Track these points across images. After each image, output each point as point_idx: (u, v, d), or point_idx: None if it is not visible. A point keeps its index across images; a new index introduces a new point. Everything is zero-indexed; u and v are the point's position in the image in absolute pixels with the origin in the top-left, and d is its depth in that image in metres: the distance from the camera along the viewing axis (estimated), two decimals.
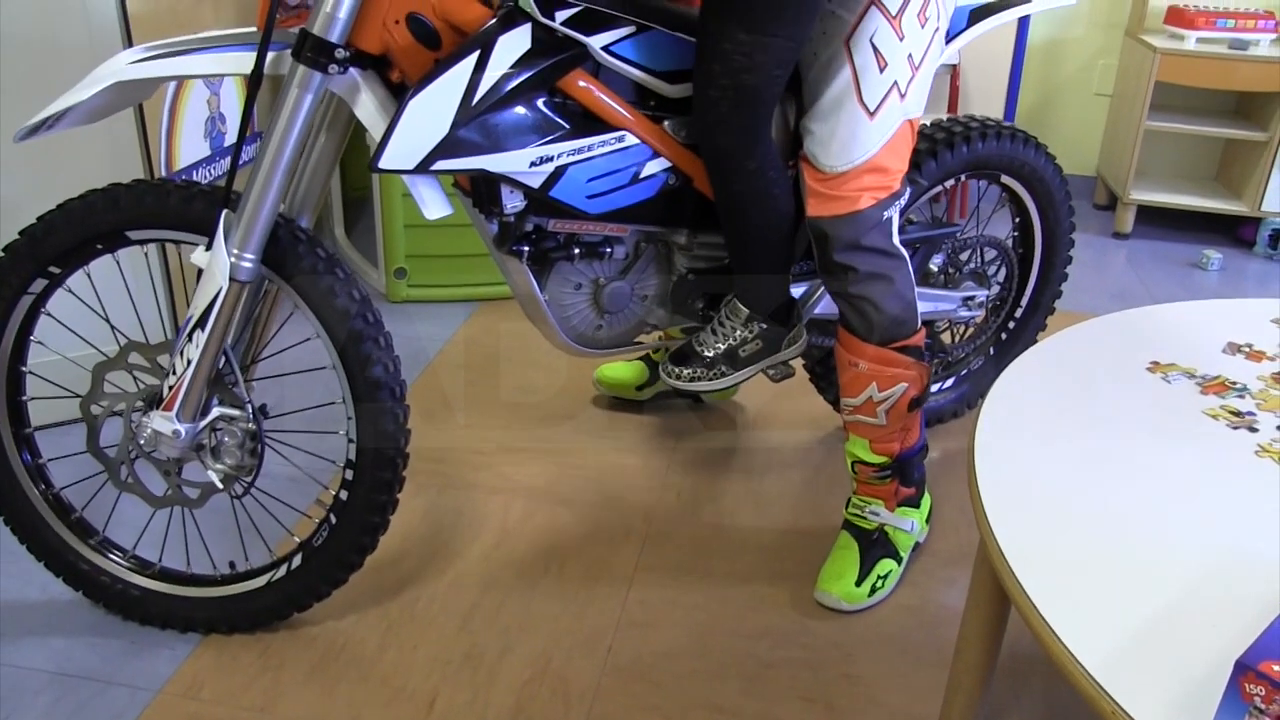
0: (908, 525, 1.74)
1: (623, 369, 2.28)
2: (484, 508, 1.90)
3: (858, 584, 1.67)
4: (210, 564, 1.62)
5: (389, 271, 2.74)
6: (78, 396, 1.51)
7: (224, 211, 1.35)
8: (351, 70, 1.34)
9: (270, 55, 1.32)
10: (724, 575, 1.74)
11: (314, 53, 1.29)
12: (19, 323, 1.49)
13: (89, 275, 1.48)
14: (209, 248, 1.35)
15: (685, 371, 1.67)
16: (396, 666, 1.52)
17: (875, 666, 1.55)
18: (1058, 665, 0.86)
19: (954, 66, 3.52)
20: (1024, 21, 3.33)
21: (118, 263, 1.50)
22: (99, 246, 1.44)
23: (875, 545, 1.72)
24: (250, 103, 1.35)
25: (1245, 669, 0.76)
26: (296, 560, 1.53)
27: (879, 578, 1.69)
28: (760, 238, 1.57)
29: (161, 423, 1.43)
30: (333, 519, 1.50)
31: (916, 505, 1.76)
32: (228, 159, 2.33)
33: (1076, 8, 3.62)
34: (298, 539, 1.55)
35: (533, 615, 1.64)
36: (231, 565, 1.59)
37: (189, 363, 1.39)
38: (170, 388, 1.41)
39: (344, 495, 1.49)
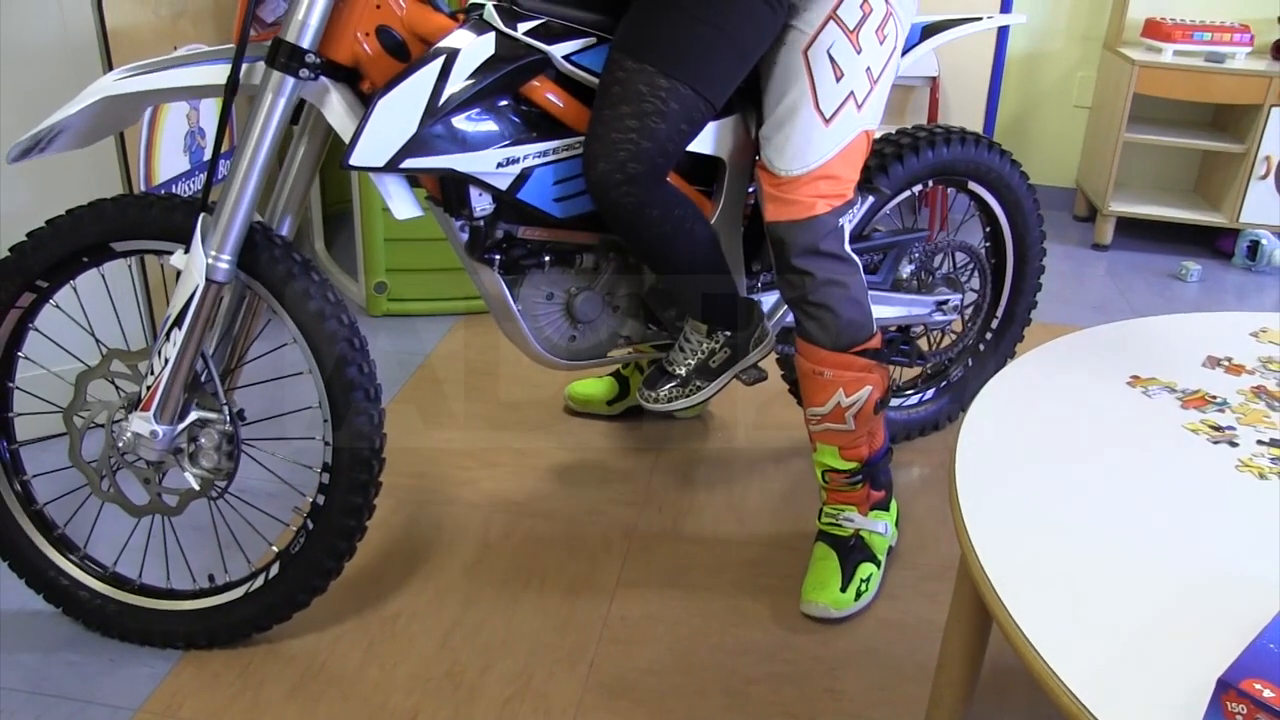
0: (881, 528, 1.74)
1: (593, 385, 2.28)
2: (465, 522, 1.90)
3: (842, 590, 1.67)
4: (190, 577, 1.61)
5: (369, 285, 2.72)
6: (59, 410, 1.52)
7: (201, 215, 1.39)
8: (323, 78, 1.38)
9: (246, 66, 1.36)
10: (706, 589, 1.74)
11: (287, 58, 1.33)
12: (6, 337, 1.50)
13: (75, 289, 1.50)
14: (187, 250, 1.39)
15: (661, 394, 1.68)
16: (377, 684, 1.51)
17: (857, 681, 1.55)
18: (1039, 681, 0.86)
19: (934, 79, 3.54)
20: (1003, 34, 3.35)
21: (102, 276, 1.52)
22: (85, 260, 1.47)
23: (853, 551, 1.72)
24: (225, 112, 1.39)
25: (1227, 687, 0.76)
26: (275, 569, 1.53)
27: (862, 581, 1.70)
28: (688, 266, 1.58)
29: (140, 424, 1.43)
30: (310, 525, 1.50)
31: (886, 508, 1.77)
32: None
33: (1054, 21, 3.64)
34: (275, 549, 1.54)
35: (514, 632, 1.63)
36: (211, 578, 1.58)
37: (166, 362, 1.41)
38: (149, 388, 1.42)
39: (320, 500, 1.49)
